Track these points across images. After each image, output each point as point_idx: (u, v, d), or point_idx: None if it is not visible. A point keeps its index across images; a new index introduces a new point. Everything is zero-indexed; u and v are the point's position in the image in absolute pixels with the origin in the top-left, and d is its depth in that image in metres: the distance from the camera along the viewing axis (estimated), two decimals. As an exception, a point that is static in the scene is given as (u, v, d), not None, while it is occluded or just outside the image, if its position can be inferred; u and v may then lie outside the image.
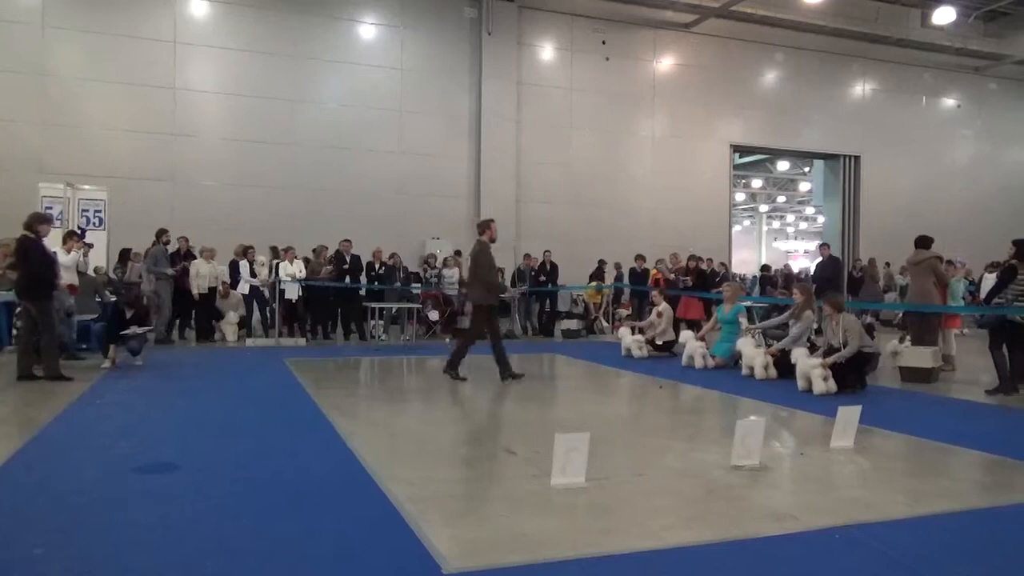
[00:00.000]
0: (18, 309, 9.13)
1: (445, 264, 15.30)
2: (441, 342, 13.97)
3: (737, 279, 22.04)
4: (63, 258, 9.48)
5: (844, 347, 7.93)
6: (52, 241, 9.01)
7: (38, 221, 8.35)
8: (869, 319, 12.83)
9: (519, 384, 8.41)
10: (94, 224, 12.91)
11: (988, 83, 24.21)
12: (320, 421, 6.12)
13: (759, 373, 9.03)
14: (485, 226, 8.86)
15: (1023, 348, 8.12)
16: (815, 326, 9.36)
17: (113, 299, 10.93)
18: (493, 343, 8.61)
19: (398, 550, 3.25)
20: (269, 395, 7.70)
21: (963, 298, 13.39)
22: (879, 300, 17.01)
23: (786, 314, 9.77)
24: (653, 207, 19.86)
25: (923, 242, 9.98)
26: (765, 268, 21.44)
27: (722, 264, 18.02)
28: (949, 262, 10.01)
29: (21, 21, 15.06)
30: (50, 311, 8.24)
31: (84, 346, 10.59)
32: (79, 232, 10.76)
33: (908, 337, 9.97)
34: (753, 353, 9.28)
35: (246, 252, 13.36)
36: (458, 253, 15.32)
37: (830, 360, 7.86)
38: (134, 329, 9.37)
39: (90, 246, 11.34)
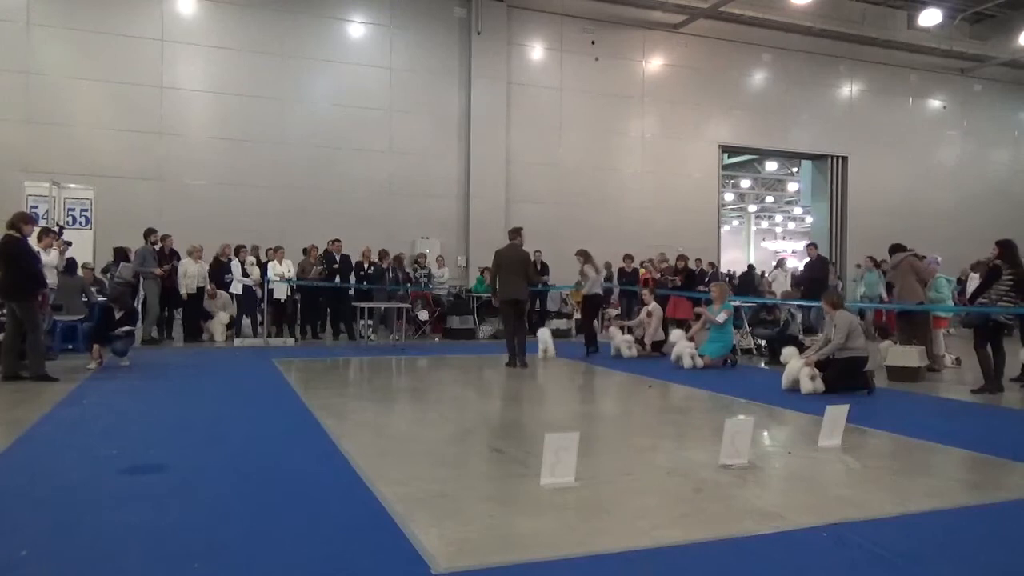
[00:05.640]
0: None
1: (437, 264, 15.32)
2: (430, 342, 13.96)
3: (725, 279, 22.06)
4: (46, 258, 9.40)
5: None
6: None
7: (22, 220, 8.28)
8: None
9: (509, 383, 8.41)
10: (80, 223, 12.81)
11: (973, 84, 24.42)
12: (309, 421, 6.10)
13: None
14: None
15: None
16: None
17: (100, 299, 10.85)
18: None
19: (387, 550, 3.25)
20: (257, 395, 7.66)
21: (953, 298, 13.39)
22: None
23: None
24: (642, 207, 19.90)
25: (896, 248, 10.15)
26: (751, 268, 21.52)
27: (711, 264, 18.08)
28: (922, 257, 10.18)
29: (6, 19, 14.89)
30: (35, 311, 8.18)
31: (70, 346, 10.53)
32: (56, 230, 10.65)
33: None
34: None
35: (238, 252, 13.30)
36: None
37: (814, 359, 7.93)
38: (122, 329, 9.31)
39: (68, 244, 11.25)
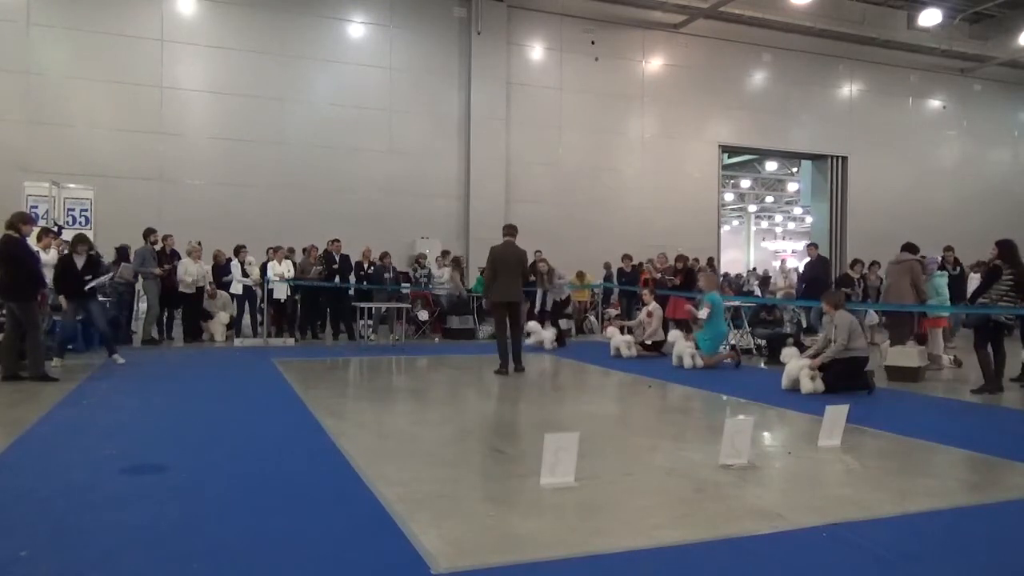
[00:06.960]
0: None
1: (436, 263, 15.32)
2: (430, 342, 13.95)
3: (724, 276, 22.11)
4: (45, 258, 9.39)
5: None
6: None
7: (21, 220, 8.28)
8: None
9: (508, 383, 8.41)
10: (80, 223, 12.80)
11: (973, 84, 24.43)
12: (309, 421, 6.10)
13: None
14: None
15: None
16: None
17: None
18: None
19: (387, 550, 3.25)
20: (257, 395, 7.66)
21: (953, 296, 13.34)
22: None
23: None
24: (642, 207, 19.91)
25: (909, 247, 10.17)
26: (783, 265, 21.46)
27: (709, 261, 18.07)
28: (921, 258, 10.23)
29: (6, 19, 14.91)
30: (34, 311, 8.18)
31: (70, 346, 10.51)
32: (55, 230, 10.60)
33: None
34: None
35: (238, 252, 13.30)
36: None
37: (818, 361, 7.91)
38: (97, 280, 9.39)
39: (67, 243, 11.21)
